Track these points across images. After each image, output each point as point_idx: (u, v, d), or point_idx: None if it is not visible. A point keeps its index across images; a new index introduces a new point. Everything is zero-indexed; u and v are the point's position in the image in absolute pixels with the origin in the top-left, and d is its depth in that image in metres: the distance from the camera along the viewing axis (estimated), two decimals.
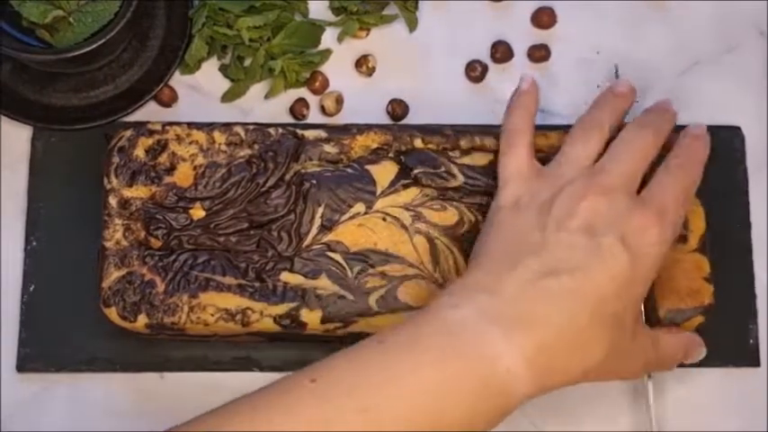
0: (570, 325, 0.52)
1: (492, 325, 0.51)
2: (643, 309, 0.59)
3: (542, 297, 0.52)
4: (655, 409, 0.60)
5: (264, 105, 0.67)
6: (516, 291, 0.53)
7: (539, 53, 0.68)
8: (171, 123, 0.62)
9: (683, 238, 0.61)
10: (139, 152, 0.61)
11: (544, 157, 0.61)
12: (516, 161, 0.59)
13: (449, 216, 0.61)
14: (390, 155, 0.62)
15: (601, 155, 0.58)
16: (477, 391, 0.51)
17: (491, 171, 0.61)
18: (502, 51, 0.68)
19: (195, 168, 0.61)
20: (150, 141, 0.62)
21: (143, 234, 0.60)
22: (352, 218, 0.61)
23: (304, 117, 0.67)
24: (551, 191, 0.56)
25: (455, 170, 0.62)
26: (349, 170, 0.62)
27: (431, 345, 0.51)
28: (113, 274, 0.60)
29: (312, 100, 0.67)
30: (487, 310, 0.52)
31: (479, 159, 0.62)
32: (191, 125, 0.62)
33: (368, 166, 0.61)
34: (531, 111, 0.60)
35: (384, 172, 0.61)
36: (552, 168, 0.58)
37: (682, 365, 0.60)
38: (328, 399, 0.49)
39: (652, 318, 0.60)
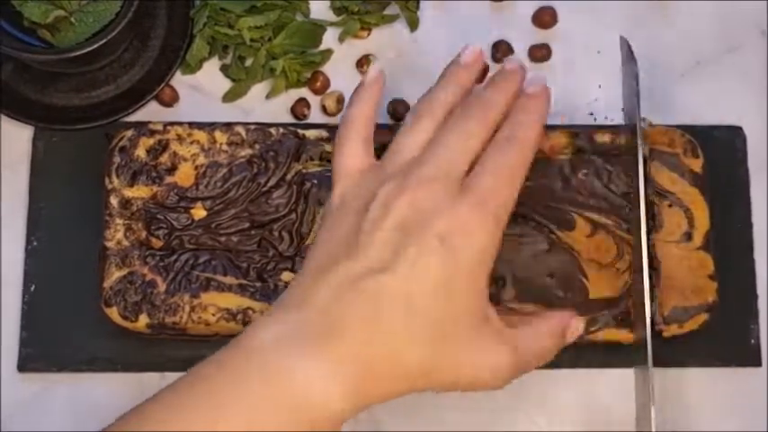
0: (382, 329, 0.49)
1: (299, 344, 0.49)
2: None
3: (352, 302, 0.50)
4: (655, 410, 0.60)
5: (265, 105, 0.67)
6: (327, 299, 0.50)
7: (540, 53, 0.68)
8: (172, 123, 0.62)
9: (687, 236, 0.61)
10: (141, 152, 0.61)
11: (545, 158, 0.61)
12: (346, 157, 0.56)
13: None
14: None
15: None
16: (289, 422, 0.48)
17: None
18: (503, 51, 0.68)
19: (196, 168, 0.61)
20: (151, 141, 0.62)
21: (144, 234, 0.60)
22: None
23: (305, 117, 0.67)
24: (373, 188, 0.53)
25: None
26: None
27: (236, 376, 0.48)
28: (114, 274, 0.60)
29: (313, 100, 0.67)
30: (296, 326, 0.49)
31: None
32: (192, 125, 0.62)
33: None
34: (372, 102, 0.57)
35: None
36: (382, 162, 0.55)
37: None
38: None
39: (656, 318, 0.60)
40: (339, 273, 0.51)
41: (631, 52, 0.61)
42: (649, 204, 0.62)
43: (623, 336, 0.60)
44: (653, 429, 0.57)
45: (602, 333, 0.60)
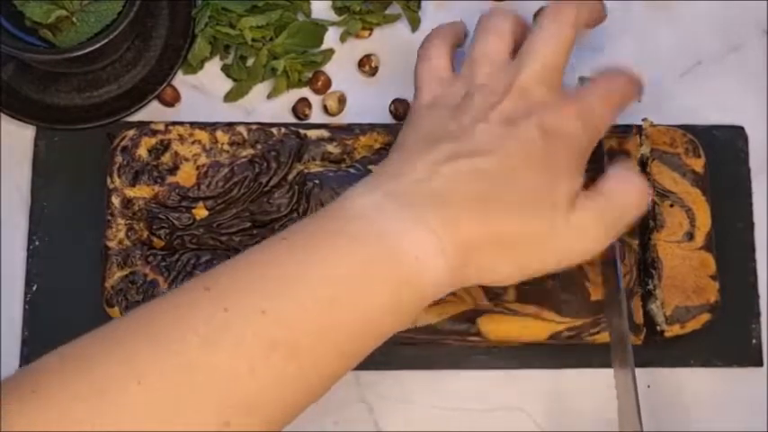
0: (482, 204, 0.50)
1: (400, 209, 0.49)
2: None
3: (454, 178, 0.50)
4: (642, 409, 0.60)
5: (267, 105, 0.67)
6: (427, 172, 0.50)
7: None
8: (174, 123, 0.62)
9: (688, 236, 0.61)
10: (142, 152, 0.61)
11: None
12: (431, 66, 0.57)
13: None
14: None
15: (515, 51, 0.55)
16: (387, 283, 0.47)
17: None
18: None
19: (198, 168, 0.61)
20: (153, 141, 0.62)
21: (146, 234, 0.61)
22: None
23: (306, 117, 0.67)
24: (468, 89, 0.54)
25: None
26: (352, 170, 0.62)
27: (336, 234, 0.48)
28: (116, 274, 0.60)
29: (315, 100, 0.67)
30: (396, 193, 0.49)
31: None
32: (193, 125, 0.62)
33: (371, 166, 0.61)
34: (453, 32, 0.59)
35: None
36: (466, 70, 0.56)
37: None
38: (224, 303, 0.45)
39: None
40: (441, 151, 0.51)
41: None
42: (650, 204, 0.62)
43: None
44: (641, 429, 0.57)
45: (605, 334, 0.60)
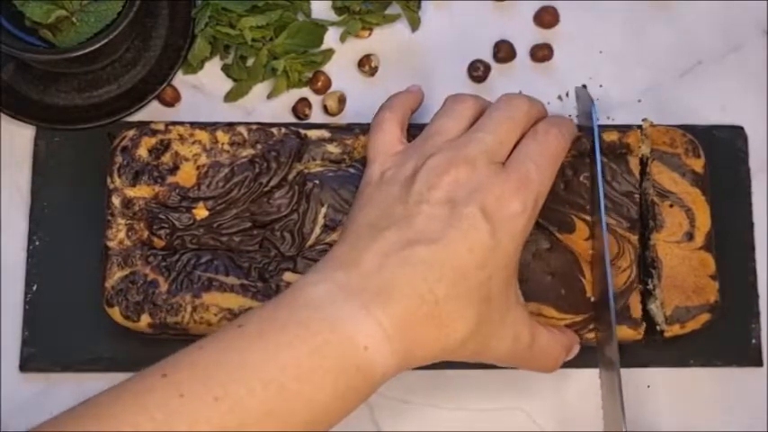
0: (428, 297, 0.51)
1: (349, 300, 0.50)
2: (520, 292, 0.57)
3: (400, 269, 0.51)
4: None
5: (267, 105, 0.67)
6: (375, 264, 0.51)
7: (541, 52, 0.68)
8: (174, 123, 0.62)
9: (688, 236, 0.61)
10: (142, 152, 0.61)
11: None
12: (384, 138, 0.58)
13: None
14: None
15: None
16: (337, 372, 0.49)
17: None
18: (504, 51, 0.68)
19: (198, 168, 0.61)
20: (153, 141, 0.62)
21: (146, 234, 0.60)
22: None
23: (307, 117, 0.67)
24: (416, 164, 0.55)
25: None
26: (352, 170, 0.62)
27: (288, 325, 0.49)
28: (116, 274, 0.60)
29: (315, 100, 0.67)
30: (345, 285, 0.51)
31: None
32: (193, 125, 0.62)
33: None
34: (409, 102, 0.61)
35: None
36: (419, 142, 0.57)
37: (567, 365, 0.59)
38: (179, 389, 0.46)
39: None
40: (386, 240, 0.52)
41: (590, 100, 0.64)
42: (650, 204, 0.62)
43: (626, 333, 0.60)
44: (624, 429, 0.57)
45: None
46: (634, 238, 0.61)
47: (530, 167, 0.55)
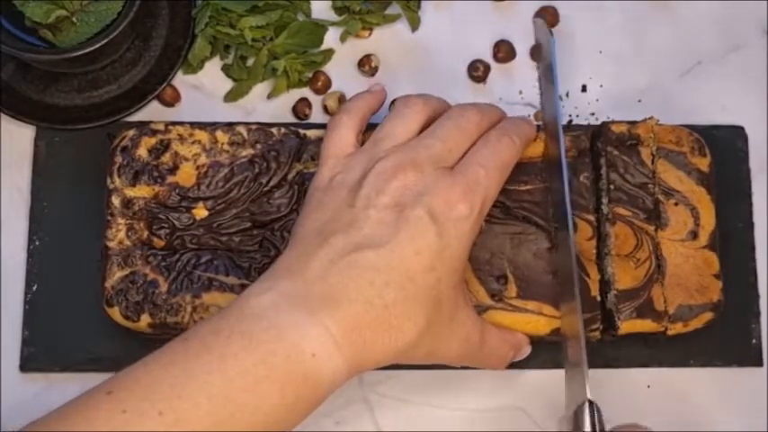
0: (376, 301, 0.51)
1: (295, 308, 0.50)
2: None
3: (347, 274, 0.51)
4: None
5: (267, 105, 0.67)
6: (321, 270, 0.51)
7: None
8: (174, 123, 0.62)
9: (692, 235, 0.61)
10: (142, 152, 0.61)
11: (547, 159, 0.61)
12: (335, 141, 0.58)
13: None
14: None
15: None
16: (284, 381, 0.48)
17: None
18: (504, 51, 0.68)
19: (198, 168, 0.61)
20: (153, 141, 0.62)
21: (146, 234, 0.60)
22: None
23: (306, 117, 0.67)
24: (364, 168, 0.55)
25: None
26: None
27: (233, 335, 0.49)
28: (116, 274, 0.60)
29: (315, 100, 0.67)
30: (290, 293, 0.51)
31: None
32: (193, 125, 0.62)
33: None
34: (368, 104, 0.60)
35: None
36: (368, 146, 0.57)
37: (518, 364, 0.60)
38: (124, 407, 0.47)
39: (661, 315, 0.60)
40: (333, 246, 0.52)
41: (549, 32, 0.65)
42: (655, 202, 0.62)
43: (647, 325, 0.60)
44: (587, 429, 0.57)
45: (625, 324, 0.60)
46: (651, 229, 0.61)
47: (478, 172, 0.55)
